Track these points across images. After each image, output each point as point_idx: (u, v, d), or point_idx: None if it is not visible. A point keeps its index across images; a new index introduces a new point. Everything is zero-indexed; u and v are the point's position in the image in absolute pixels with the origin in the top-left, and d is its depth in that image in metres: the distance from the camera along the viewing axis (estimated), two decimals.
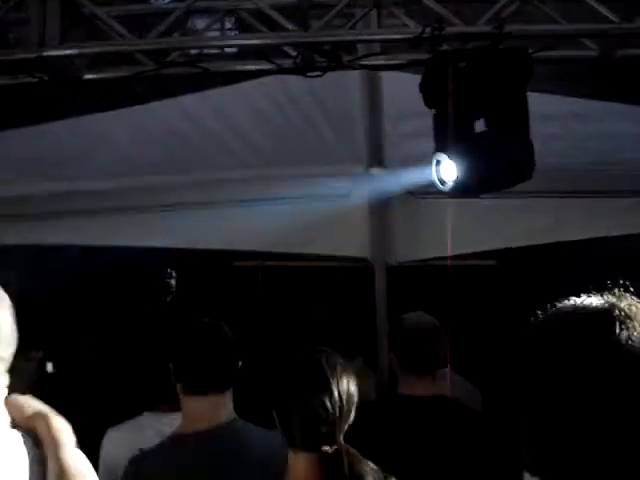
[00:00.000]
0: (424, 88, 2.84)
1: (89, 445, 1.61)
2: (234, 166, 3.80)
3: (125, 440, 2.98)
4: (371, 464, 1.98)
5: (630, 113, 3.60)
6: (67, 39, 2.79)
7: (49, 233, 3.75)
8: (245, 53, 3.55)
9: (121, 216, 3.83)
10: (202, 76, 3.29)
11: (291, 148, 3.79)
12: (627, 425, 1.15)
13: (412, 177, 3.62)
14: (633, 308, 1.23)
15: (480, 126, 2.92)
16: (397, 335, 2.99)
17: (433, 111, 2.90)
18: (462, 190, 3.10)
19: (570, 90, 3.82)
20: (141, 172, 3.65)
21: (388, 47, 3.17)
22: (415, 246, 4.15)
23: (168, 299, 5.83)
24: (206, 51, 3.68)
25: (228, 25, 3.96)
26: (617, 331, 1.17)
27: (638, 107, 3.58)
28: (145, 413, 3.16)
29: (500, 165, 3.00)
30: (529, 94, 2.91)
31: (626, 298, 1.25)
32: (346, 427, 2.01)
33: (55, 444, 1.36)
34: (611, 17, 2.86)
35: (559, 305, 1.33)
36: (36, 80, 2.88)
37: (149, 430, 2.95)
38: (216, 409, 2.46)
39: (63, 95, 4.44)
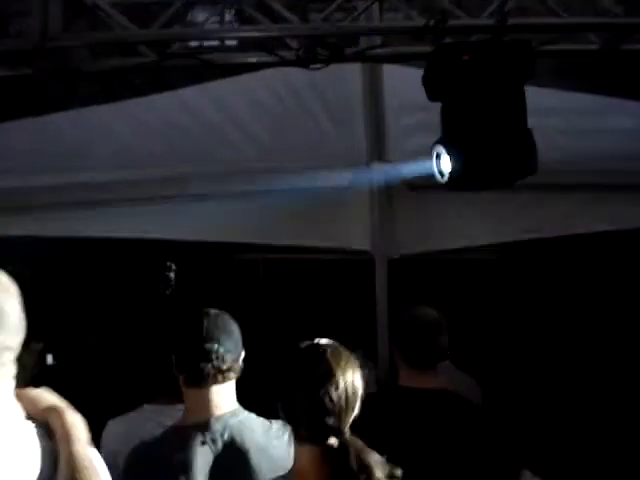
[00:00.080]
0: (427, 81, 2.83)
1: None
2: (234, 158, 3.80)
3: (126, 432, 2.97)
4: (377, 455, 1.97)
5: (631, 108, 3.61)
6: (69, 30, 2.79)
7: (50, 225, 3.75)
8: (245, 46, 3.54)
9: (121, 208, 3.83)
10: (202, 69, 3.29)
11: (292, 140, 3.79)
12: None
13: (413, 170, 3.62)
14: None
15: (482, 119, 2.92)
16: (399, 328, 2.99)
17: (434, 104, 2.90)
18: (462, 183, 3.10)
19: (572, 85, 3.83)
20: (141, 164, 3.65)
21: (390, 40, 3.17)
22: (415, 239, 4.15)
23: (167, 292, 5.82)
24: (206, 44, 3.68)
25: (228, 18, 3.96)
26: None
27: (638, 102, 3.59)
28: (146, 405, 3.16)
29: (503, 159, 3.00)
30: (531, 88, 2.91)
31: None
32: (352, 419, 2.00)
33: (68, 438, 1.36)
34: (614, 10, 2.87)
35: None
36: (38, 71, 2.87)
37: (150, 422, 2.94)
38: (218, 400, 2.46)
39: (64, 87, 4.43)
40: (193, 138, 3.73)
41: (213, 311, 2.54)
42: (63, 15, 2.79)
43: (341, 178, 4.01)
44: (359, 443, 1.97)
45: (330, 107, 3.79)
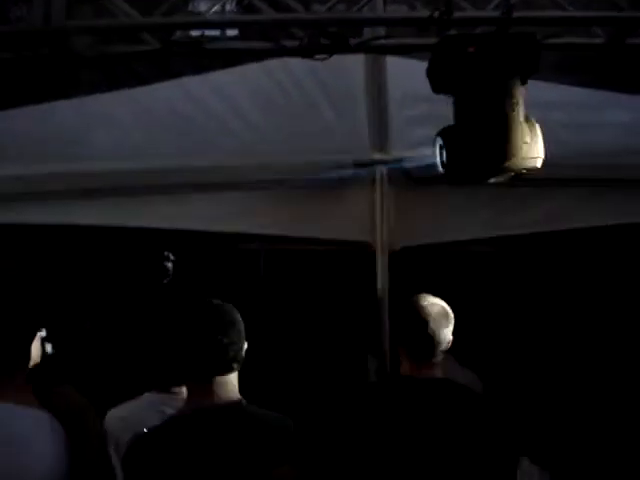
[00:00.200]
0: (431, 73, 2.83)
1: None
2: (235, 148, 3.79)
3: (126, 420, 2.98)
4: None
5: (628, 102, 3.61)
6: (73, 16, 2.78)
7: (50, 213, 3.74)
8: (247, 36, 3.53)
9: (122, 197, 3.82)
10: (204, 59, 3.28)
11: (293, 130, 3.78)
12: None
13: (415, 161, 3.62)
14: None
15: (482, 113, 2.91)
16: (400, 319, 2.98)
17: (437, 95, 2.89)
18: (462, 176, 3.10)
19: (573, 79, 3.83)
20: (143, 153, 3.64)
21: (394, 31, 3.17)
22: (416, 231, 4.15)
23: (165, 282, 5.82)
24: (207, 33, 3.67)
25: (229, 8, 3.95)
26: None
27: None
28: (146, 394, 3.16)
29: (502, 152, 3.00)
30: (532, 82, 2.90)
31: None
32: None
33: (83, 435, 1.37)
34: (620, 4, 2.86)
35: None
36: (40, 55, 2.86)
37: (150, 411, 2.95)
38: (219, 390, 2.47)
39: (67, 75, 4.42)
40: (195, 127, 3.72)
41: (216, 301, 2.54)
42: (66, 1, 2.77)
43: (343, 169, 4.00)
44: None
45: (332, 97, 3.78)
